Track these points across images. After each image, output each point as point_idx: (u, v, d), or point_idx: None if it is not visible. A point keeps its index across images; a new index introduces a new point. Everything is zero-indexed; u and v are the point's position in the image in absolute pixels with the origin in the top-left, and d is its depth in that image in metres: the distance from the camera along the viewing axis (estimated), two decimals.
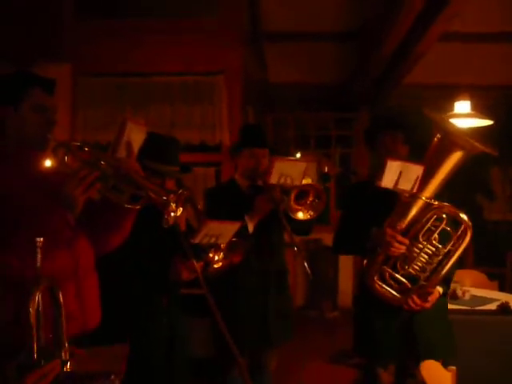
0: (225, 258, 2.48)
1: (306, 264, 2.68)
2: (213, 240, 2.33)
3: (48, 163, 1.96)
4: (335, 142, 7.45)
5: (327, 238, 6.38)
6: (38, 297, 1.40)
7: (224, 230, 2.34)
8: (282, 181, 2.68)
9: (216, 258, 2.47)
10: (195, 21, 4.65)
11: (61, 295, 1.46)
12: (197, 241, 2.30)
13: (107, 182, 1.85)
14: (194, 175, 4.78)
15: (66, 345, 1.46)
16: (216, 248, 2.45)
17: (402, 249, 2.45)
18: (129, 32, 4.65)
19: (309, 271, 2.71)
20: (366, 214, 2.63)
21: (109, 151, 1.95)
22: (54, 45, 4.58)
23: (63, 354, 1.43)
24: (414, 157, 2.55)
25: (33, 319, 1.38)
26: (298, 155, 6.29)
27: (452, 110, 4.20)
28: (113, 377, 1.49)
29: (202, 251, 2.40)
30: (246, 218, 2.80)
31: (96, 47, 4.62)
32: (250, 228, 2.81)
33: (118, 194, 1.88)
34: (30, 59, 4.33)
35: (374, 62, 5.55)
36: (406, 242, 2.45)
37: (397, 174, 2.36)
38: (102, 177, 1.83)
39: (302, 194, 2.81)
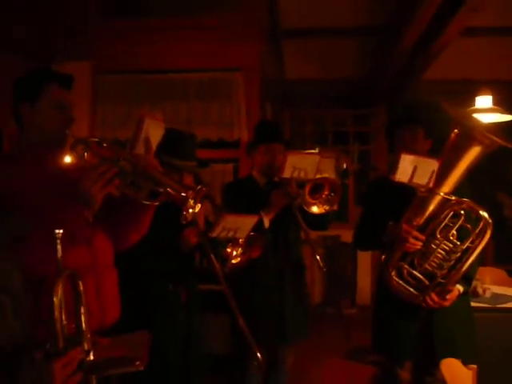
0: (243, 253, 2.48)
1: (318, 257, 2.66)
2: (231, 234, 2.32)
3: (67, 160, 1.97)
4: (353, 139, 7.40)
5: (345, 235, 6.37)
6: (60, 288, 1.41)
7: (242, 224, 2.34)
8: (296, 174, 2.67)
9: (234, 253, 2.47)
10: (213, 18, 4.65)
11: (81, 285, 1.47)
12: (215, 234, 2.29)
13: (126, 179, 1.86)
14: (212, 172, 4.79)
15: (88, 334, 1.48)
16: (234, 243, 2.44)
17: (418, 244, 2.42)
18: (146, 30, 4.66)
19: (321, 264, 2.69)
20: (384, 209, 2.61)
21: (127, 147, 1.96)
22: (73, 43, 4.61)
23: (86, 342, 1.44)
24: (437, 152, 2.51)
25: (57, 310, 1.39)
26: (317, 150, 6.24)
27: (473, 105, 4.15)
28: (138, 363, 1.49)
29: (219, 246, 2.40)
30: (262, 213, 2.80)
31: (115, 45, 4.65)
32: (266, 223, 2.81)
33: (137, 190, 1.89)
34: (51, 57, 4.38)
35: (392, 58, 5.50)
36: (422, 237, 2.41)
37: (411, 168, 2.32)
38: (121, 173, 1.83)
39: (316, 187, 2.79)
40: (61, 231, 1.45)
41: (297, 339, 3.02)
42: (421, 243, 2.42)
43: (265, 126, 3.23)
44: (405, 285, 2.50)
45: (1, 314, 1.33)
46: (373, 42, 5.79)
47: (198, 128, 4.61)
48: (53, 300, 1.39)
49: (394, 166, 2.37)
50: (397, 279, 2.50)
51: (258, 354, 2.14)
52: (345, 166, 7.82)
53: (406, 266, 2.50)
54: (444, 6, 4.20)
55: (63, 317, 1.42)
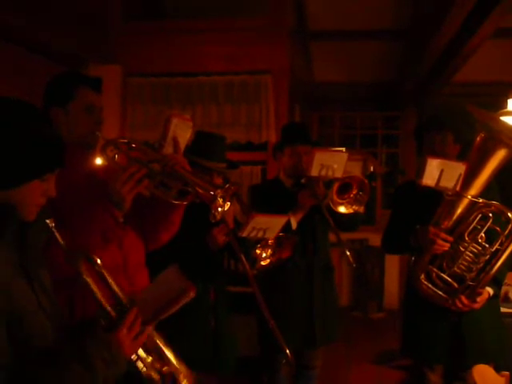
0: (273, 254, 2.48)
1: (348, 253, 2.63)
2: (260, 234, 2.32)
3: (98, 161, 2.00)
4: (381, 141, 7.35)
5: (373, 238, 6.33)
6: (85, 268, 1.42)
7: (271, 224, 2.33)
8: (324, 172, 2.64)
9: (263, 254, 2.47)
10: (242, 20, 4.68)
11: (98, 259, 1.47)
12: (244, 234, 2.29)
13: (155, 179, 1.87)
14: (240, 174, 4.81)
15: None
16: (263, 245, 2.45)
17: (446, 246, 2.40)
18: (175, 32, 4.72)
19: (351, 259, 2.66)
20: (412, 213, 2.60)
21: (155, 148, 1.98)
22: (104, 47, 4.69)
23: (130, 303, 1.45)
24: (465, 156, 2.50)
25: (93, 286, 1.40)
26: (343, 150, 6.21)
27: (505, 107, 4.09)
28: (188, 292, 1.46)
29: (249, 247, 2.41)
30: (290, 214, 2.77)
31: (144, 48, 4.72)
32: (294, 225, 2.80)
33: (166, 190, 1.90)
34: (81, 61, 4.46)
35: (422, 60, 5.44)
36: (450, 238, 2.40)
37: (438, 172, 2.33)
38: (150, 173, 1.84)
39: (344, 187, 2.76)
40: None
41: (326, 342, 3.00)
42: (448, 244, 2.41)
43: (291, 127, 3.23)
44: (434, 288, 2.49)
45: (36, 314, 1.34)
46: (401, 44, 5.75)
47: (227, 130, 4.64)
48: (85, 280, 1.40)
49: (420, 170, 2.37)
50: (426, 283, 2.49)
51: (289, 353, 2.13)
52: (372, 168, 7.75)
53: (434, 270, 2.49)
54: (476, 8, 4.15)
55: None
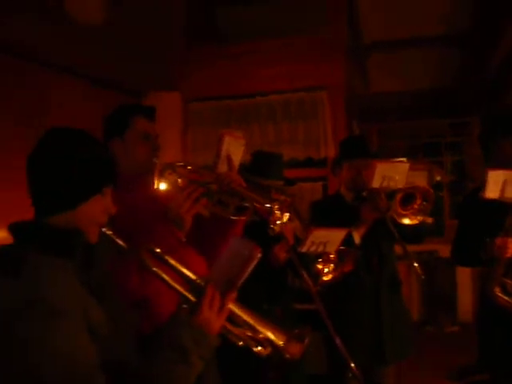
0: (335, 269, 2.46)
1: (415, 264, 2.57)
2: (320, 248, 2.31)
3: (161, 186, 2.07)
4: (446, 149, 7.17)
5: (442, 250, 6.14)
6: (150, 260, 1.46)
7: (330, 238, 2.32)
8: (386, 184, 2.60)
9: (325, 270, 2.45)
10: (297, 38, 4.72)
11: (158, 250, 1.50)
12: (304, 250, 2.29)
13: (212, 197, 1.93)
14: (300, 190, 4.82)
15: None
16: (325, 259, 2.43)
17: None
18: (231, 56, 4.82)
19: (419, 271, 2.60)
20: (481, 223, 2.52)
21: (211, 168, 2.02)
22: (165, 76, 4.85)
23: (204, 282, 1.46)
24: None
25: (165, 275, 1.44)
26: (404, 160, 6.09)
27: None
28: (255, 253, 1.43)
29: (310, 262, 2.40)
30: (353, 229, 2.74)
31: (202, 73, 4.85)
32: (357, 239, 2.76)
33: (224, 207, 1.95)
34: (142, 90, 4.63)
35: (487, 64, 5.30)
36: None
37: (501, 184, 2.29)
38: (207, 192, 1.90)
39: (408, 197, 2.70)
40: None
41: (397, 359, 2.92)
42: None
43: (348, 141, 3.20)
44: (511, 300, 2.41)
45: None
46: (461, 49, 5.62)
47: (285, 148, 4.68)
48: (156, 271, 1.43)
49: (482, 183, 2.33)
50: (501, 295, 2.42)
51: (354, 367, 2.10)
52: (438, 178, 7.53)
53: (509, 282, 2.41)
54: None
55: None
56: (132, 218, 1.88)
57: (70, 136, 1.36)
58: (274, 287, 2.50)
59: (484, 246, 2.42)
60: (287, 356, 1.47)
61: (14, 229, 1.30)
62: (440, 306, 6.30)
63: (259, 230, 2.02)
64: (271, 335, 1.47)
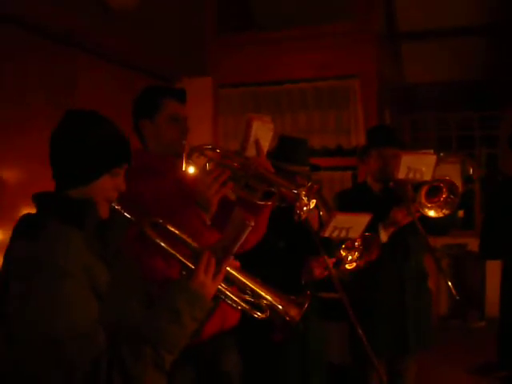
0: (360, 257, 2.43)
1: (448, 282, 2.52)
2: (343, 234, 2.28)
3: (191, 170, 2.08)
4: (480, 142, 7.03)
5: (472, 243, 6.05)
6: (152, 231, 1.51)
7: (354, 223, 2.28)
8: (411, 176, 2.57)
9: (349, 257, 2.43)
10: (329, 26, 4.68)
11: (160, 220, 1.54)
12: (327, 234, 2.26)
13: (239, 181, 1.91)
14: (331, 179, 4.80)
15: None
16: (349, 247, 2.41)
17: None
18: (264, 42, 4.81)
19: (451, 286, 2.55)
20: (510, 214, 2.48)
21: (239, 152, 2.01)
22: (197, 61, 4.87)
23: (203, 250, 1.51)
24: None
25: (164, 243, 1.50)
26: (441, 154, 6.00)
27: None
28: (248, 222, 1.50)
29: (333, 247, 2.37)
30: (380, 226, 2.71)
31: (234, 59, 4.85)
32: (384, 238, 2.71)
33: (251, 191, 1.94)
34: (174, 75, 4.66)
35: None
36: None
37: None
38: (234, 176, 1.89)
39: (434, 190, 2.66)
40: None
41: (419, 349, 2.91)
42: None
43: (376, 130, 3.16)
44: None
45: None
46: (496, 39, 5.49)
47: (316, 136, 4.66)
48: (156, 242, 1.49)
49: None
50: None
51: (377, 365, 2.09)
52: (471, 171, 7.43)
53: None
54: None
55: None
56: (160, 201, 1.89)
57: (84, 118, 1.47)
58: (295, 277, 2.48)
59: None
60: (287, 319, 1.53)
61: (36, 199, 1.44)
62: (468, 301, 6.21)
63: (286, 216, 2.01)
64: (271, 299, 1.53)
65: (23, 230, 1.39)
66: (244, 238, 1.49)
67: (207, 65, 4.94)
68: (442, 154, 6.64)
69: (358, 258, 2.43)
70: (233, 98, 5.01)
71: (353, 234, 2.32)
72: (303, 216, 1.84)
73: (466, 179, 6.89)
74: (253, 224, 1.48)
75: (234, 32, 5.07)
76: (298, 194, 1.81)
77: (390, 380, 3.01)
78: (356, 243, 2.42)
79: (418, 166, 2.57)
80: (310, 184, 1.84)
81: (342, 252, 2.41)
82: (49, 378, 1.26)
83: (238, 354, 2.15)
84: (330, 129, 4.77)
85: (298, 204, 1.81)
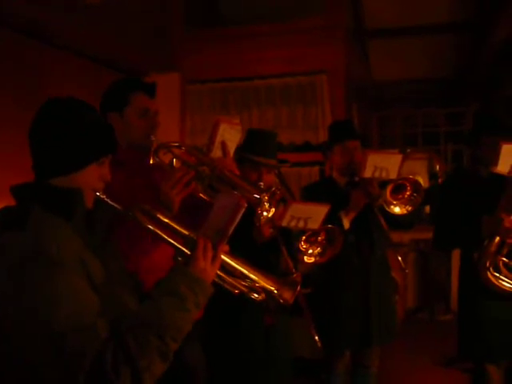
0: (322, 253, 2.45)
1: (399, 258, 2.61)
2: (301, 224, 2.27)
3: (154, 164, 2.06)
4: (445, 139, 7.16)
5: None
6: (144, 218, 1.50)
7: (312, 213, 2.28)
8: (377, 174, 2.63)
9: (310, 251, 2.44)
10: (296, 22, 4.70)
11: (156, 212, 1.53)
12: (284, 224, 2.25)
13: (203, 182, 1.92)
14: (299, 175, 4.83)
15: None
16: (311, 241, 2.42)
17: None
18: (231, 38, 4.80)
19: (402, 265, 2.64)
20: (467, 204, 2.57)
21: (204, 152, 2.01)
22: (164, 56, 4.84)
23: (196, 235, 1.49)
24: None
25: (157, 229, 1.49)
26: (408, 151, 6.11)
27: None
28: (240, 202, 1.48)
29: (293, 238, 2.38)
30: (342, 213, 2.75)
31: (202, 55, 4.83)
32: (346, 224, 2.76)
33: (214, 193, 1.94)
34: (140, 70, 4.62)
35: (486, 52, 5.27)
36: None
37: None
38: (198, 176, 1.90)
39: (399, 187, 2.74)
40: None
41: (383, 341, 2.96)
42: None
43: (336, 125, 3.21)
44: (504, 279, 2.48)
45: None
46: (462, 37, 5.59)
47: (283, 132, 4.67)
48: (148, 227, 1.48)
49: (494, 157, 2.38)
50: (494, 273, 2.48)
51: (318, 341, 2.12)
52: (437, 167, 7.54)
53: (503, 259, 2.49)
54: None
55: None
56: (125, 195, 1.87)
57: (70, 105, 1.42)
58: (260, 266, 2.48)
59: (484, 223, 2.48)
60: (281, 301, 1.53)
61: (15, 190, 1.39)
62: (434, 294, 6.32)
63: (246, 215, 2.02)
64: (264, 283, 1.53)
65: (5, 221, 1.33)
66: (238, 219, 1.47)
67: (175, 60, 4.90)
68: (409, 150, 6.78)
69: (320, 253, 2.45)
70: (201, 94, 4.98)
71: (312, 225, 2.32)
72: (262, 221, 1.87)
73: (432, 175, 7.05)
74: (246, 205, 1.47)
75: (203, 27, 5.05)
76: (261, 199, 1.83)
77: (354, 371, 3.07)
78: (319, 237, 2.44)
79: (383, 164, 2.63)
80: (273, 189, 1.88)
81: (302, 243, 2.42)
82: (50, 374, 1.21)
83: (201, 348, 2.16)
84: (297, 125, 4.79)
85: (258, 209, 1.84)
